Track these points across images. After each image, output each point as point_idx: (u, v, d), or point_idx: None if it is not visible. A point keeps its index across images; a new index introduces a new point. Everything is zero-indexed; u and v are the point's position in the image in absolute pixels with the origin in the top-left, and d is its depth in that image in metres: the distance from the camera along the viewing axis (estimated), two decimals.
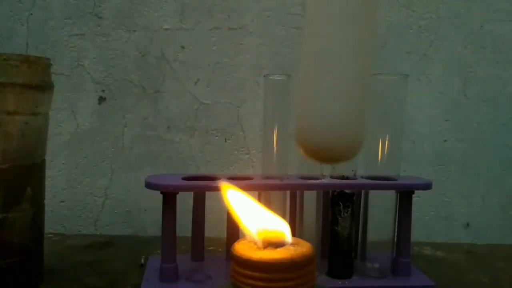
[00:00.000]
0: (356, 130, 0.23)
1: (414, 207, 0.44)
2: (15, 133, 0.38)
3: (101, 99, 0.59)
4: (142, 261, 0.48)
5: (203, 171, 0.59)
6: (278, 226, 0.25)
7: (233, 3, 0.59)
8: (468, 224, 0.62)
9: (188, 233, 0.43)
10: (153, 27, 0.59)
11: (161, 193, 0.39)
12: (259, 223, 0.25)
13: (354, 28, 0.22)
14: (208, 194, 0.42)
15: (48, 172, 0.45)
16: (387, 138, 0.42)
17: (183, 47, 0.59)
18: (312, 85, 0.23)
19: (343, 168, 0.43)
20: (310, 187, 0.42)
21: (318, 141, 0.23)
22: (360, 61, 0.22)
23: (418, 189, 0.43)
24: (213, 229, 0.45)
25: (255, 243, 0.24)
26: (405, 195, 0.43)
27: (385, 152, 0.42)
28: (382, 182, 0.42)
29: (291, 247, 0.24)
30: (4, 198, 0.38)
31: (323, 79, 0.23)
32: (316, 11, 0.23)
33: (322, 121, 0.22)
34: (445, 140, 0.61)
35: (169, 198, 0.39)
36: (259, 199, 0.42)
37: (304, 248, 0.24)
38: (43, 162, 0.42)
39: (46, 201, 0.43)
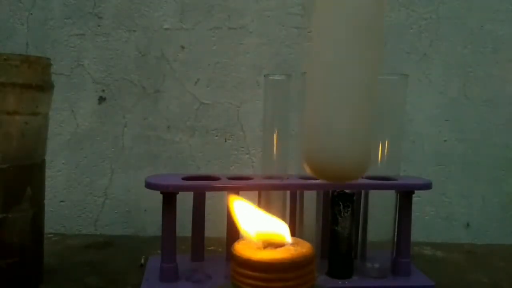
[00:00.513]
0: (364, 151, 0.23)
1: (414, 207, 0.44)
2: (15, 133, 0.38)
3: (101, 99, 0.59)
4: (142, 261, 0.48)
5: (203, 171, 0.59)
6: (279, 230, 0.25)
7: (233, 3, 0.59)
8: (468, 224, 0.62)
9: (188, 233, 0.43)
10: (153, 27, 0.59)
11: (161, 193, 0.39)
12: (259, 229, 0.25)
13: (364, 48, 0.22)
14: (208, 194, 0.42)
15: (48, 172, 0.45)
16: (387, 138, 0.42)
17: (183, 47, 0.59)
18: (320, 107, 0.23)
19: None
20: (310, 187, 0.42)
21: (325, 162, 0.23)
22: (369, 84, 0.22)
23: (418, 189, 0.43)
24: (213, 229, 0.45)
25: (255, 243, 0.24)
26: (405, 195, 0.43)
27: (385, 152, 0.42)
28: (382, 182, 0.42)
29: (291, 247, 0.24)
30: (4, 198, 0.38)
31: (331, 100, 0.22)
32: (324, 34, 0.23)
33: (330, 143, 0.22)
34: (445, 140, 0.61)
35: (169, 198, 0.39)
36: (259, 199, 0.42)
37: (304, 248, 0.24)
38: (43, 162, 0.42)
39: (46, 201, 0.43)
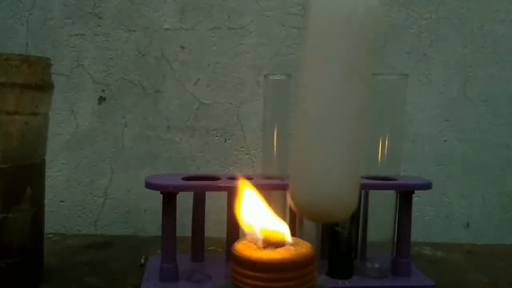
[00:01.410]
0: (350, 194, 0.23)
1: (414, 207, 0.44)
2: (15, 133, 0.38)
3: (101, 99, 0.59)
4: (142, 261, 0.48)
5: (203, 171, 0.59)
6: (279, 227, 0.25)
7: (233, 3, 0.59)
8: (468, 224, 0.62)
9: (188, 233, 0.43)
10: (153, 27, 0.59)
11: (161, 193, 0.39)
12: (261, 223, 0.25)
13: (352, 91, 0.22)
14: (208, 194, 0.42)
15: (48, 172, 0.45)
16: (387, 138, 0.42)
17: (183, 47, 0.59)
18: (306, 149, 0.23)
19: None
20: None
21: (312, 205, 0.23)
22: (355, 126, 0.22)
23: (418, 189, 0.43)
24: (213, 229, 0.45)
25: (255, 243, 0.24)
26: (405, 195, 0.43)
27: (385, 152, 0.42)
28: (382, 182, 0.42)
29: (291, 247, 0.24)
30: (4, 198, 0.38)
31: (317, 143, 0.22)
32: (313, 75, 0.23)
33: (316, 186, 0.23)
34: (445, 140, 0.61)
35: (169, 198, 0.39)
36: None
37: (304, 248, 0.24)
38: (43, 162, 0.42)
39: (46, 201, 0.43)
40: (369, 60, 0.22)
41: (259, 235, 0.24)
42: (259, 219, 0.25)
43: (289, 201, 0.23)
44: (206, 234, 0.43)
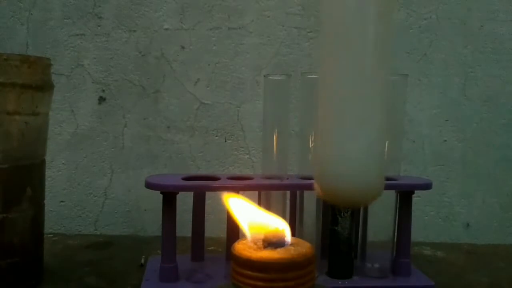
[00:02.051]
0: (377, 178, 0.23)
1: (414, 207, 0.44)
2: (15, 133, 0.38)
3: (101, 99, 0.59)
4: (142, 261, 0.48)
5: (203, 171, 0.59)
6: (279, 226, 0.25)
7: (233, 3, 0.59)
8: (468, 224, 0.62)
9: (188, 233, 0.43)
10: (153, 27, 0.59)
11: (161, 193, 0.39)
12: (259, 225, 0.25)
13: (375, 72, 0.22)
14: (208, 194, 0.42)
15: (48, 172, 0.45)
16: (387, 138, 0.42)
17: (183, 47, 0.59)
18: (334, 134, 0.23)
19: None
20: (310, 187, 0.42)
21: (339, 189, 0.23)
22: (380, 108, 0.22)
23: (418, 189, 0.43)
24: (213, 229, 0.45)
25: (255, 243, 0.24)
26: (405, 195, 0.43)
27: (385, 152, 0.42)
28: None
29: (291, 247, 0.24)
30: (4, 198, 0.38)
31: (343, 127, 0.22)
32: (335, 60, 0.23)
33: (344, 170, 0.22)
34: (445, 140, 0.61)
35: (169, 198, 0.39)
36: (259, 199, 0.42)
37: (304, 248, 0.24)
38: (43, 162, 0.42)
39: (46, 201, 0.43)
40: (388, 38, 0.22)
41: (258, 237, 0.24)
42: (257, 221, 0.25)
43: (315, 187, 0.23)
44: (206, 234, 0.43)
